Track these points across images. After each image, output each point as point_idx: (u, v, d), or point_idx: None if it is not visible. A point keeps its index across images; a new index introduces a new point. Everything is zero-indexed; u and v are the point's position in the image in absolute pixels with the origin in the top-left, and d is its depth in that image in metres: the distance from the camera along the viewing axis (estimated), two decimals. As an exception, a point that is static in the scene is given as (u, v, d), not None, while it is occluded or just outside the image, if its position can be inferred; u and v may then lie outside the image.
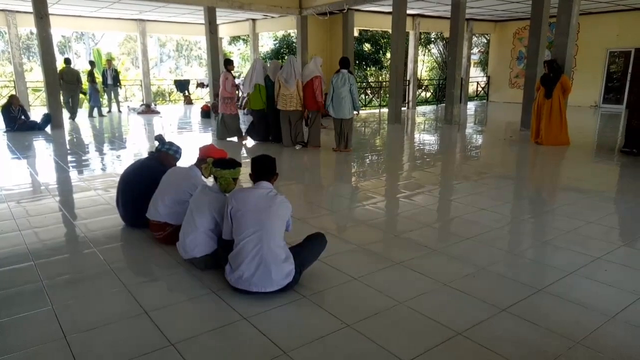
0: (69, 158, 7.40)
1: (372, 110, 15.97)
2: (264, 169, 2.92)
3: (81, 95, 12.86)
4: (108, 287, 2.95)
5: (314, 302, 2.74)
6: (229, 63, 9.00)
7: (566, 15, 8.37)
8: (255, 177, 2.92)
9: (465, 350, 2.28)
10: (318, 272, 3.06)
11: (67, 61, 12.08)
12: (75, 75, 12.10)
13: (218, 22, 14.79)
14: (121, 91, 15.29)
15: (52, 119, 10.29)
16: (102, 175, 6.22)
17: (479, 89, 19.64)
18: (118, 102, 14.57)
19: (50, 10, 10.26)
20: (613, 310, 2.62)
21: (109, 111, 14.13)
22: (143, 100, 16.31)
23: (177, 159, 4.07)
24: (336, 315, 2.58)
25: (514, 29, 17.32)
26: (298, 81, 7.68)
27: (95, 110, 13.06)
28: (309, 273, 2.98)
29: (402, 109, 13.10)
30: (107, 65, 14.22)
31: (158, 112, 14.48)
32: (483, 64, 21.17)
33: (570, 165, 6.92)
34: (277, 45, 20.05)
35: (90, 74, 13.15)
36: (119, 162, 7.24)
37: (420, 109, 16.48)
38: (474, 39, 19.42)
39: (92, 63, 13.99)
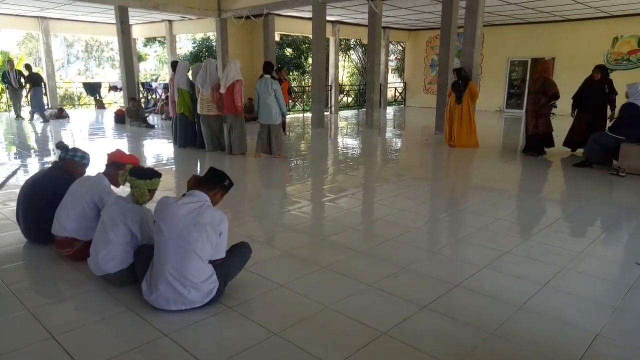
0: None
1: (296, 115, 16.06)
2: (208, 178, 2.78)
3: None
4: (8, 312, 2.65)
5: (239, 312, 2.67)
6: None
7: (472, 26, 8.99)
8: (197, 183, 2.78)
9: (390, 349, 2.34)
10: (243, 281, 2.99)
11: None
12: None
13: (131, 22, 14.07)
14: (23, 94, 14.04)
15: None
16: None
17: (397, 94, 20.50)
18: (20, 106, 13.38)
19: None
20: (521, 300, 2.83)
21: (17, 117, 12.94)
22: (48, 105, 15.02)
23: (86, 166, 3.76)
24: (263, 325, 2.53)
25: (426, 38, 18.33)
26: (232, 84, 7.30)
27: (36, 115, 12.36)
28: (234, 283, 2.90)
29: (325, 113, 13.32)
30: (8, 66, 12.93)
31: (67, 117, 13.45)
32: (400, 70, 22.16)
33: (479, 166, 7.43)
34: (196, 48, 19.50)
35: (30, 77, 12.14)
36: (21, 173, 6.59)
37: (343, 113, 16.84)
38: (391, 46, 20.25)
39: (28, 66, 12.75)
